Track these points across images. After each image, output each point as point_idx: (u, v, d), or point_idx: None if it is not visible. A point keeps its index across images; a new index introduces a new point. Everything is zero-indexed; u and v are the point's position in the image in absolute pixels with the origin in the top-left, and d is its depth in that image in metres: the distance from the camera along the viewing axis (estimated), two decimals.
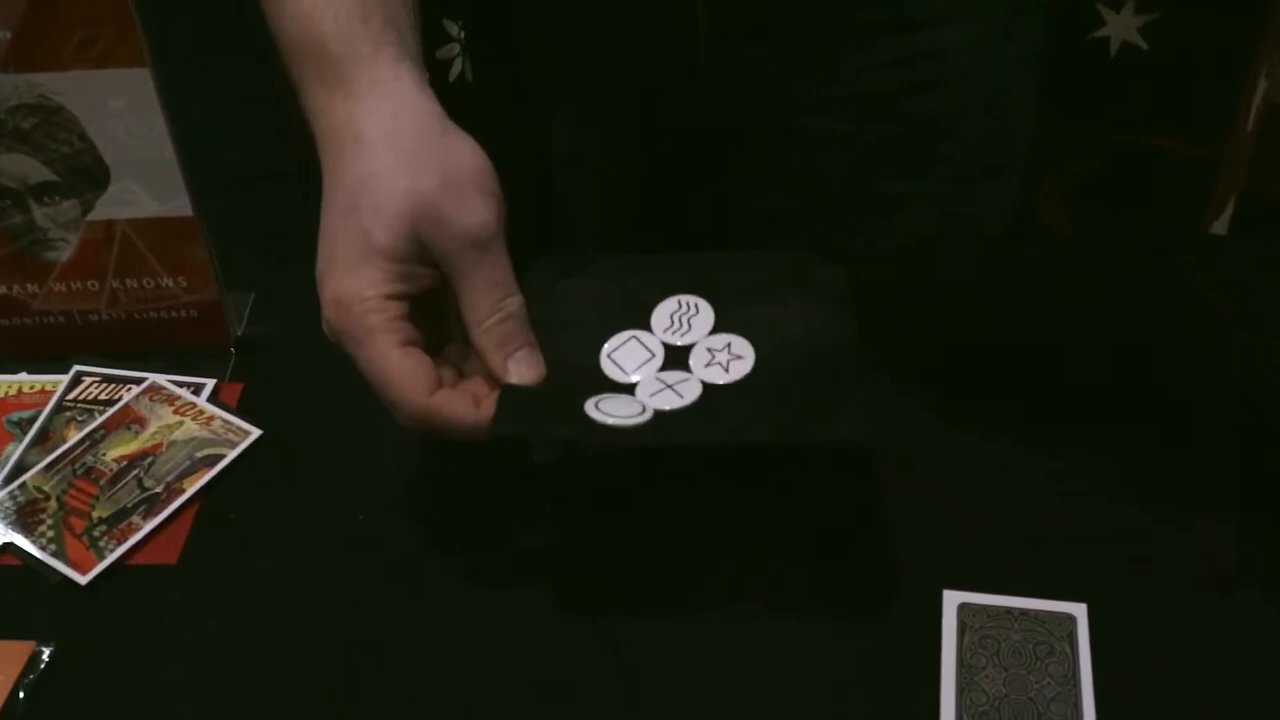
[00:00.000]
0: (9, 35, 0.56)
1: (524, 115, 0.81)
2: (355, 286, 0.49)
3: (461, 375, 0.52)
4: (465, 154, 0.51)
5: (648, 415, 0.49)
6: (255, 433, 0.60)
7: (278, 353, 0.65)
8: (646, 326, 0.54)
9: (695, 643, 0.50)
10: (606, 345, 0.53)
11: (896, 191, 0.78)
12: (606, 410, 0.49)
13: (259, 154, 0.60)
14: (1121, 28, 1.07)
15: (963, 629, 0.49)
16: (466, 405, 0.49)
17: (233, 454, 0.59)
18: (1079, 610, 0.49)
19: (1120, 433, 0.57)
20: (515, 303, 0.51)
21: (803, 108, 0.75)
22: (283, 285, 0.65)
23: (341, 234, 0.50)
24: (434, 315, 0.52)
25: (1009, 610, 0.50)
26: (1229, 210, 1.20)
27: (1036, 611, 0.50)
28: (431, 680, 0.50)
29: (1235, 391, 0.59)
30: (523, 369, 0.50)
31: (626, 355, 0.53)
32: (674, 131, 0.78)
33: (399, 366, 0.49)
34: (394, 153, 0.50)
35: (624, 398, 0.50)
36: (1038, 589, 0.50)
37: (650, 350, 0.53)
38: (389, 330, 0.49)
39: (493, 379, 0.51)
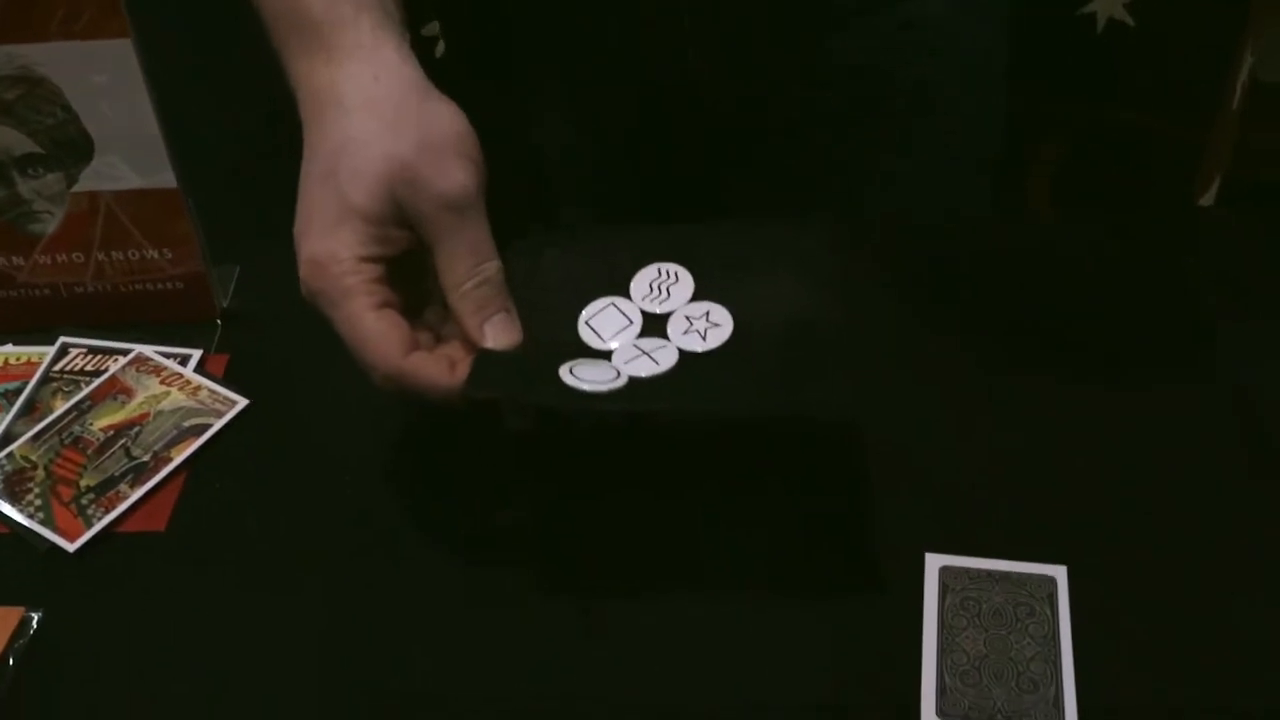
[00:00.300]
0: None
1: (507, 107, 0.81)
2: (332, 247, 0.49)
3: (439, 339, 0.52)
4: (445, 118, 0.51)
5: (622, 381, 0.49)
6: (242, 402, 0.60)
7: (264, 324, 0.65)
8: (626, 294, 0.54)
9: (677, 607, 0.50)
10: (584, 312, 0.53)
11: (882, 167, 0.77)
12: (581, 375, 0.48)
13: (245, 127, 0.60)
14: (1108, 4, 1.07)
15: (944, 591, 0.49)
16: (441, 368, 0.49)
17: (219, 423, 0.59)
18: (1059, 572, 0.50)
19: (1100, 400, 0.57)
20: (492, 268, 0.50)
21: (789, 85, 0.75)
22: (268, 257, 0.64)
23: (319, 196, 0.50)
24: (413, 279, 0.52)
25: (990, 573, 0.50)
26: (1214, 186, 1.20)
27: (1017, 574, 0.50)
28: (413, 646, 0.50)
29: (1215, 359, 0.59)
30: (499, 333, 0.50)
31: (604, 322, 0.52)
32: (663, 116, 0.77)
33: (374, 328, 0.49)
34: (373, 117, 0.50)
35: (599, 363, 0.50)
36: (1018, 552, 0.50)
37: (628, 317, 0.53)
38: (364, 292, 0.49)
39: (469, 343, 0.50)
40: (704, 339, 0.51)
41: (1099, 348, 0.60)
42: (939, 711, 0.45)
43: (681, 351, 0.51)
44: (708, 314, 0.52)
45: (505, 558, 0.53)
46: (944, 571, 0.50)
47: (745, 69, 0.74)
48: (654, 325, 0.52)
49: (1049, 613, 0.48)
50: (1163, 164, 1.18)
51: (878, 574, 0.51)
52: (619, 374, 0.49)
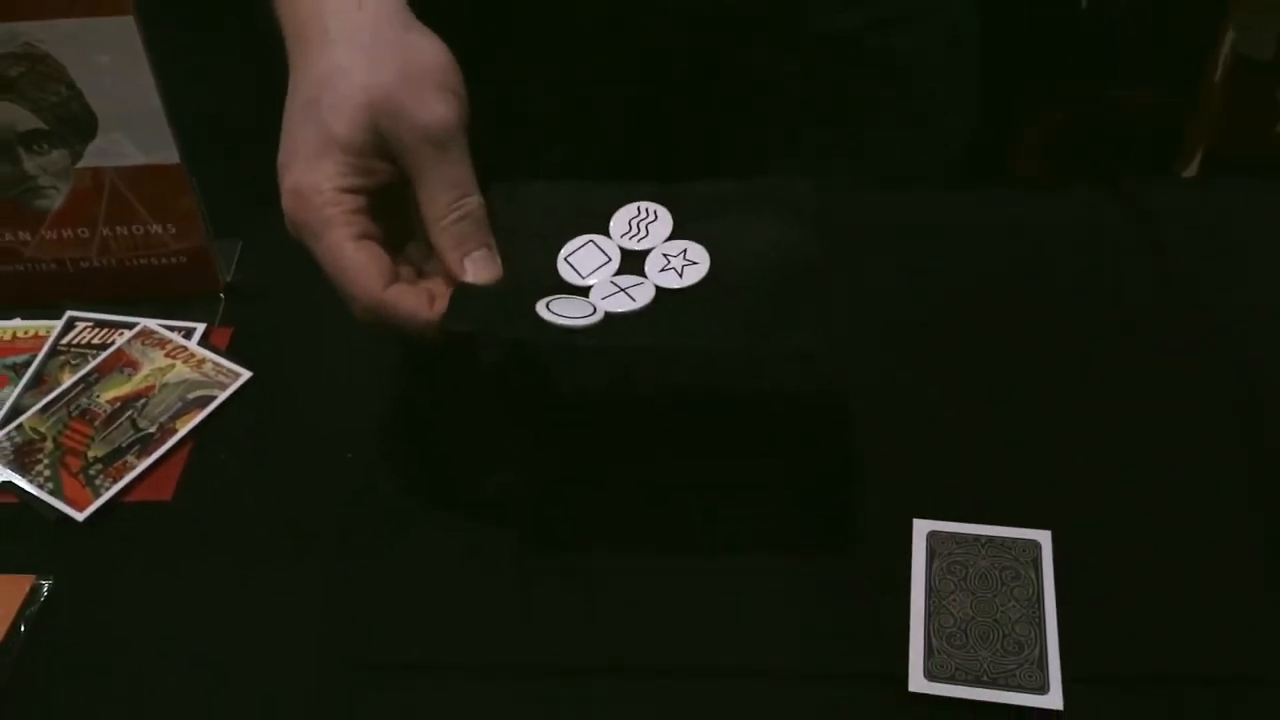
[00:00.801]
0: None
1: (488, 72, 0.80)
2: (314, 179, 0.49)
3: (421, 275, 0.51)
4: (427, 50, 0.50)
5: (598, 317, 0.48)
6: (245, 374, 0.60)
7: (266, 297, 0.64)
8: (605, 232, 0.53)
9: (670, 573, 0.50)
10: (564, 249, 0.52)
11: (862, 133, 0.76)
12: (557, 310, 0.48)
13: (243, 101, 0.59)
14: None
15: (932, 555, 0.50)
16: (420, 301, 0.48)
17: (223, 395, 0.59)
18: (1044, 537, 0.50)
19: (1085, 368, 0.57)
20: (474, 202, 0.50)
21: (772, 51, 0.74)
22: (271, 231, 0.64)
23: (302, 127, 0.50)
24: (396, 213, 0.51)
25: (976, 537, 0.50)
26: (1197, 160, 1.20)
27: (1003, 538, 0.50)
28: (408, 613, 0.50)
29: (1194, 323, 0.59)
30: (479, 269, 0.50)
31: (583, 259, 0.52)
32: (649, 82, 0.77)
33: (354, 259, 0.48)
34: (356, 47, 0.49)
35: (576, 299, 0.49)
36: (1004, 517, 0.50)
37: (607, 254, 0.52)
38: (345, 223, 0.48)
39: (450, 278, 0.50)
40: (680, 276, 0.51)
41: (1084, 317, 0.60)
42: (926, 673, 0.46)
43: (658, 288, 0.50)
44: (685, 252, 0.52)
45: (500, 528, 0.53)
46: (931, 536, 0.50)
47: (728, 19, 0.72)
48: (632, 262, 0.52)
49: (1033, 576, 0.49)
50: (1149, 137, 1.17)
51: (867, 539, 0.51)
52: (595, 309, 0.48)
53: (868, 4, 0.73)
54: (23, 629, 0.50)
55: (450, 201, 0.49)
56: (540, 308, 0.48)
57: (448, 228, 0.49)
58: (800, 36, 0.73)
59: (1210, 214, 0.67)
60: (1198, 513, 0.51)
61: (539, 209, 0.53)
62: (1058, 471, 0.53)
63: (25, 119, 0.59)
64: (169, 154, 0.60)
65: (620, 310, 0.49)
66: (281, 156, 0.50)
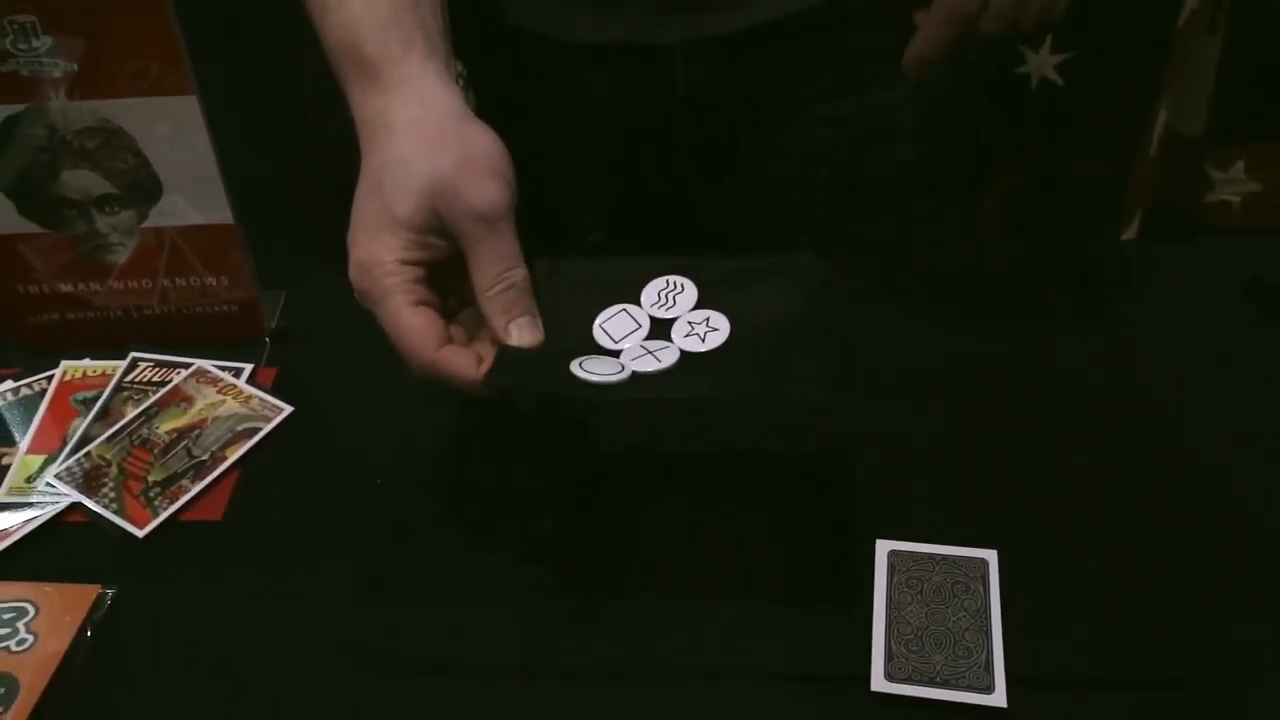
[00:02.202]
0: (75, 68, 0.57)
1: (526, 142, 0.81)
2: (376, 252, 0.50)
3: (472, 339, 0.52)
4: (482, 140, 0.51)
5: (625, 374, 0.49)
6: (287, 410, 0.61)
7: (307, 342, 0.65)
8: (636, 302, 0.53)
9: (661, 591, 0.51)
10: (599, 317, 0.53)
11: (847, 230, 0.77)
12: (589, 369, 0.48)
13: (291, 164, 0.60)
14: (1040, 65, 1.09)
15: (892, 571, 0.50)
16: (468, 361, 0.49)
17: (268, 427, 0.60)
18: (991, 556, 0.50)
19: (1030, 404, 0.58)
20: (519, 274, 0.50)
21: (766, 153, 0.75)
22: (312, 283, 0.66)
23: (367, 207, 0.51)
24: (452, 285, 0.52)
25: (931, 555, 0.51)
26: (1135, 223, 1.22)
27: (954, 556, 0.51)
28: (431, 621, 0.51)
29: (1133, 368, 0.60)
30: (523, 332, 0.50)
31: (616, 325, 0.52)
32: (651, 172, 0.77)
33: (410, 323, 0.49)
34: (417, 138, 0.51)
35: (607, 359, 0.50)
36: (955, 538, 0.51)
37: (637, 321, 0.52)
38: (403, 291, 0.49)
39: (497, 342, 0.50)
40: (703, 341, 0.51)
41: (1032, 359, 0.61)
42: (886, 675, 0.47)
43: (682, 351, 0.51)
44: (708, 320, 0.52)
45: (521, 555, 0.53)
46: (891, 554, 0.51)
47: (728, 124, 0.73)
48: (660, 329, 0.52)
49: (982, 590, 0.49)
50: (1091, 203, 1.20)
51: (835, 556, 0.52)
52: (624, 368, 0.49)
53: (858, 122, 0.73)
54: (89, 633, 0.51)
55: (498, 273, 0.50)
56: (574, 366, 0.49)
57: (495, 296, 0.50)
58: (798, 146, 0.74)
59: (1147, 271, 0.67)
60: (1126, 534, 0.52)
61: (578, 281, 0.54)
62: (1003, 499, 0.53)
63: (99, 184, 0.61)
64: (224, 215, 0.62)
65: (646, 370, 0.49)
66: (350, 234, 0.51)
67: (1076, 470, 0.55)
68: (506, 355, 0.49)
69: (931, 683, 0.46)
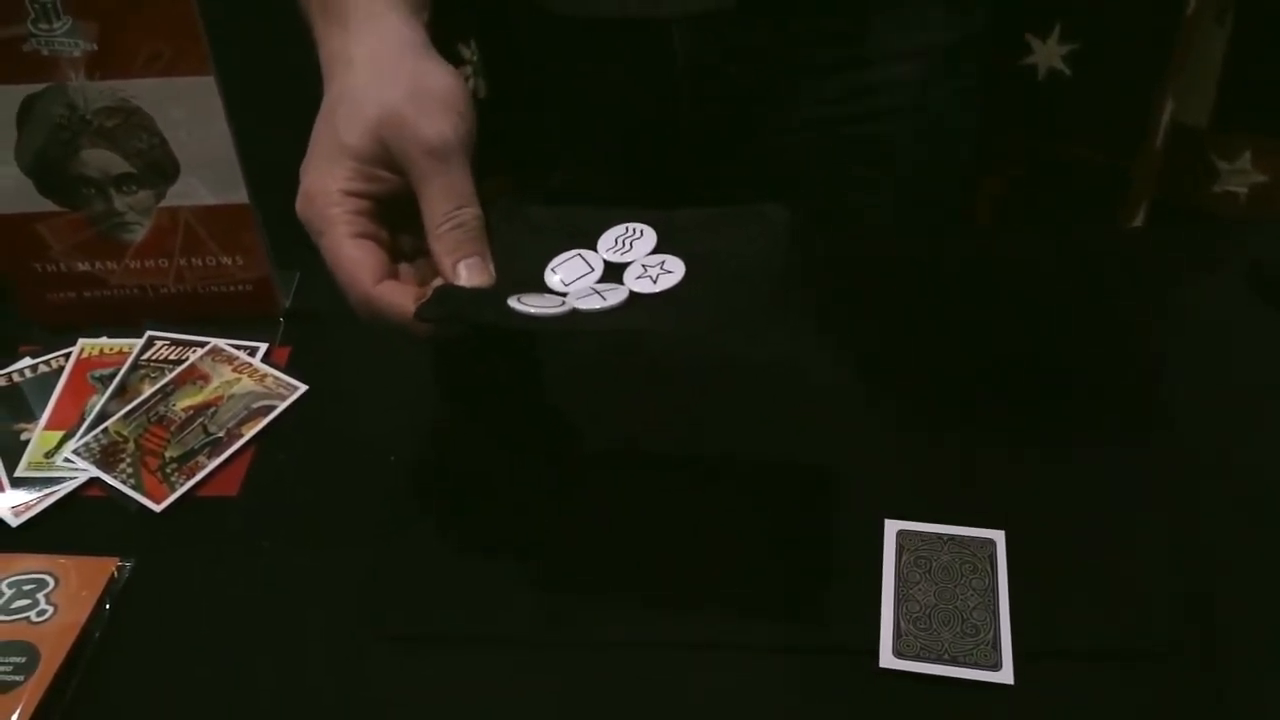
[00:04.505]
0: (94, 47, 0.57)
1: (536, 131, 0.81)
2: (322, 182, 0.48)
3: (424, 284, 0.50)
4: (437, 74, 0.50)
5: (564, 309, 0.46)
6: (301, 388, 0.61)
7: (320, 321, 0.65)
8: (593, 248, 0.50)
9: (673, 567, 0.51)
10: (552, 260, 0.50)
11: (847, 208, 0.77)
12: (527, 302, 0.46)
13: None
14: (1047, 56, 1.08)
15: (900, 551, 0.51)
16: (406, 297, 0.47)
17: (282, 405, 0.60)
18: (999, 536, 0.51)
19: (1037, 388, 0.59)
20: (470, 213, 0.48)
21: (766, 131, 0.75)
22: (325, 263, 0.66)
23: (319, 137, 0.50)
24: (408, 228, 0.50)
25: (940, 535, 0.51)
26: (1140, 214, 1.21)
27: (962, 536, 0.51)
28: (438, 594, 0.51)
29: (1137, 356, 0.60)
30: (472, 274, 0.48)
31: (568, 269, 0.49)
32: (652, 154, 0.77)
33: (349, 255, 0.47)
34: (372, 70, 0.50)
35: (548, 295, 0.47)
36: (964, 519, 0.51)
37: (590, 265, 0.49)
38: (345, 221, 0.48)
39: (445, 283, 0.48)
40: (654, 283, 0.48)
41: (1038, 346, 0.61)
42: (895, 651, 0.47)
43: (631, 292, 0.48)
44: (663, 263, 0.49)
45: (514, 518, 0.54)
46: (900, 534, 0.51)
47: (728, 102, 0.73)
48: (614, 274, 0.49)
49: (989, 569, 0.50)
50: (1096, 193, 1.19)
51: (846, 536, 0.52)
52: (563, 303, 0.46)
53: (851, 101, 0.73)
54: (108, 605, 0.51)
55: (448, 211, 0.48)
56: (512, 300, 0.46)
57: (444, 234, 0.48)
58: (798, 123, 0.73)
59: (1153, 259, 0.67)
60: (1131, 516, 0.52)
61: (534, 226, 0.51)
62: (1010, 480, 0.54)
63: (118, 164, 0.61)
64: (239, 195, 0.62)
65: (590, 308, 0.46)
66: (303, 164, 0.50)
67: (1082, 453, 0.55)
68: (444, 290, 0.47)
69: (939, 659, 0.47)
